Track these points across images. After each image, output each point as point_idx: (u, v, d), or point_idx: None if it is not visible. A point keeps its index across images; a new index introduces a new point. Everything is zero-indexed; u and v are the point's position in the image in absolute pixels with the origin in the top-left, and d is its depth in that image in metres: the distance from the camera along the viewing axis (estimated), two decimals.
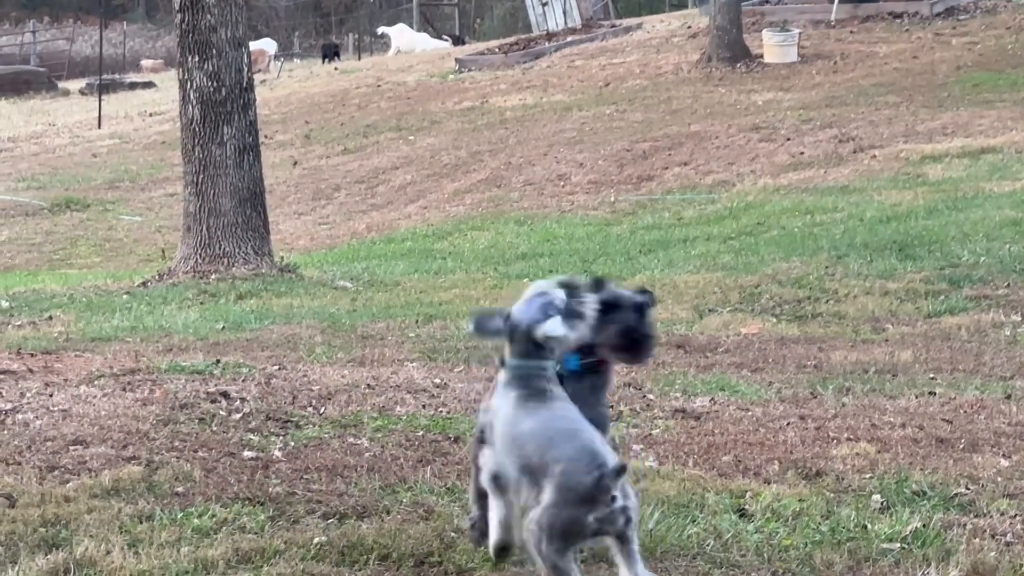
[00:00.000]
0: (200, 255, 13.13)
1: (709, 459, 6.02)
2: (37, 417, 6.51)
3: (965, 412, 6.99)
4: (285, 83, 37.83)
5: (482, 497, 4.69)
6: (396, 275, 13.80)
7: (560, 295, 4.51)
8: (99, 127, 32.14)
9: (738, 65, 27.84)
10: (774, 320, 10.67)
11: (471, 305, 11.53)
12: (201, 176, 13.11)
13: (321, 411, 6.83)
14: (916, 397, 7.41)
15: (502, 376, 4.50)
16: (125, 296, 12.49)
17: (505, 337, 4.46)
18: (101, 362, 8.15)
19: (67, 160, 28.14)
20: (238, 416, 6.61)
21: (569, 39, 35.58)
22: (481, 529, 4.77)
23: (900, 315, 10.59)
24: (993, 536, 5.04)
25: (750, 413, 6.95)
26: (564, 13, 40.55)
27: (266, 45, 45.40)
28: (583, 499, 4.15)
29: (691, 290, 11.75)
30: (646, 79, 28.57)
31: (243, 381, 7.41)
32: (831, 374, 8.29)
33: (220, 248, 13.10)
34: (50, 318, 11.27)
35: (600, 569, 4.75)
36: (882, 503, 5.37)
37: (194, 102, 13.09)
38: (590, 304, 4.56)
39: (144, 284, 13.13)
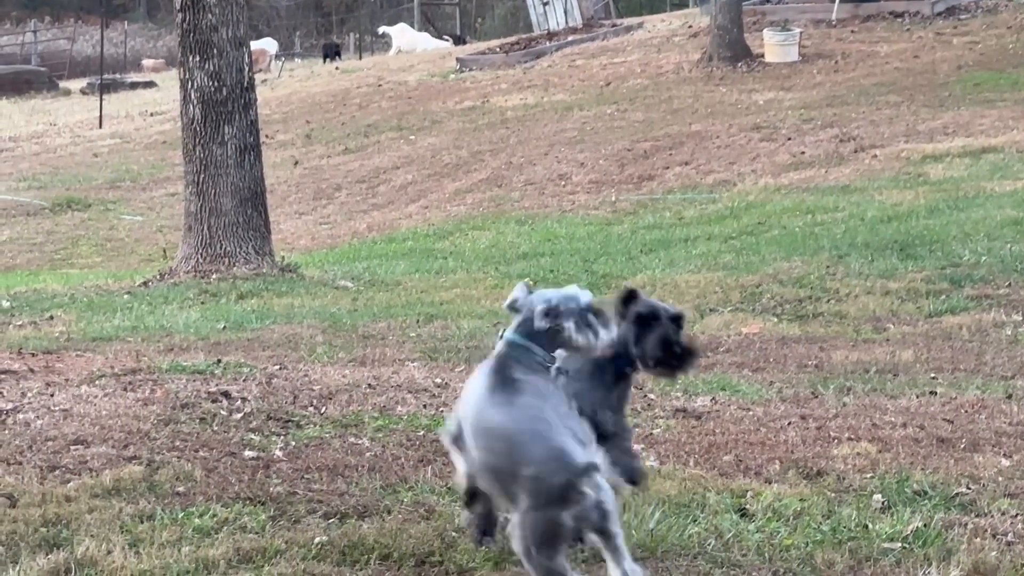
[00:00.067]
0: (201, 255, 13.14)
1: (710, 459, 6.02)
2: (38, 417, 6.51)
3: (966, 412, 6.99)
4: (286, 83, 37.84)
5: (472, 496, 4.70)
6: (397, 275, 13.80)
7: (586, 300, 4.51)
8: (100, 127, 32.14)
9: (739, 64, 27.84)
10: (775, 320, 10.67)
11: (472, 305, 11.54)
12: (202, 176, 13.11)
13: (322, 411, 6.83)
14: (917, 397, 7.41)
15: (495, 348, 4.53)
16: (126, 296, 12.49)
17: (517, 308, 4.49)
18: (102, 362, 8.15)
19: (68, 160, 28.14)
20: (239, 416, 6.61)
21: (570, 39, 35.59)
22: (482, 528, 4.78)
23: (901, 315, 10.59)
24: (994, 536, 5.04)
25: (751, 413, 6.95)
26: (565, 12, 40.56)
27: (267, 45, 45.41)
28: (556, 500, 4.14)
29: (692, 290, 11.75)
30: (647, 79, 28.57)
31: (244, 381, 7.41)
32: (832, 374, 8.29)
33: (221, 248, 13.11)
34: (51, 318, 11.27)
35: (601, 569, 4.75)
36: (883, 503, 5.37)
37: (195, 102, 13.09)
38: (607, 324, 4.55)
39: (145, 284, 13.13)
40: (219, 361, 8.00)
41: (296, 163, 25.40)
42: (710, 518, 5.20)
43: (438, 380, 7.64)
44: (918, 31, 29.52)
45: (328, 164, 25.13)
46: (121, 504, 5.27)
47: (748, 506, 5.33)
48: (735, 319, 10.66)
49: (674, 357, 4.77)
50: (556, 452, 4.17)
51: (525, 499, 4.18)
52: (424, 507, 5.30)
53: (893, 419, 6.78)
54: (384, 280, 13.34)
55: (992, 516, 5.26)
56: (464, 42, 46.09)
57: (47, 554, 4.77)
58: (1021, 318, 10.16)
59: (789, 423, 6.70)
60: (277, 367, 7.99)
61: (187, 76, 13.13)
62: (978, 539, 4.98)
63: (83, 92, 40.82)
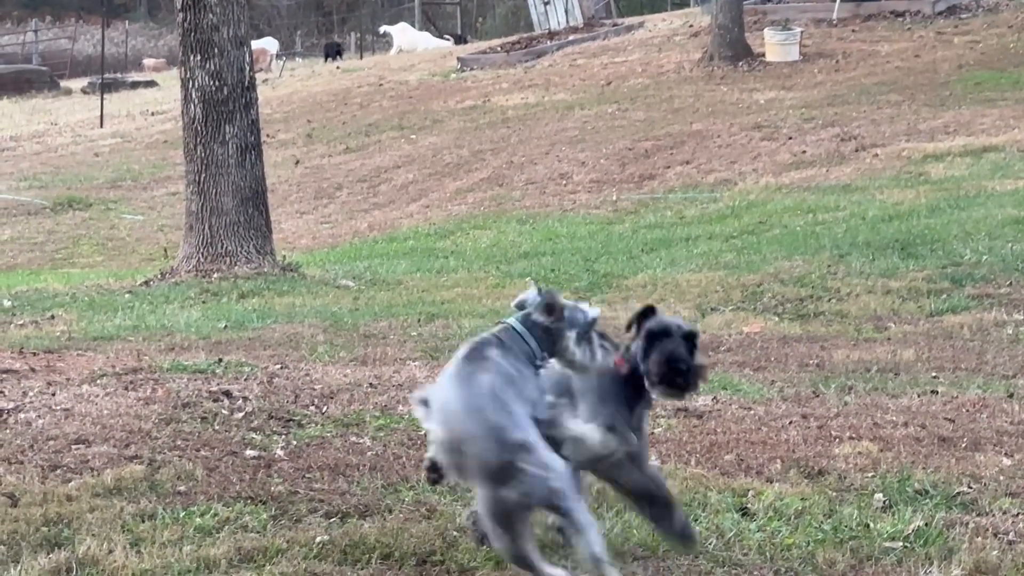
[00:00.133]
0: (202, 254, 13.14)
1: (711, 458, 6.02)
2: (39, 416, 6.51)
3: (967, 411, 6.99)
4: (287, 82, 37.85)
5: (432, 469, 4.69)
6: (398, 274, 13.80)
7: (593, 316, 4.48)
8: (101, 126, 32.15)
9: (740, 64, 27.83)
10: (776, 319, 10.66)
11: (473, 304, 11.54)
12: (203, 175, 13.11)
13: (323, 410, 6.83)
14: (918, 396, 7.40)
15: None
16: (127, 295, 12.49)
17: (524, 307, 4.48)
18: (103, 361, 8.15)
19: (69, 159, 28.15)
20: (240, 415, 6.61)
21: (571, 38, 35.58)
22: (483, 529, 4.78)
23: (902, 314, 10.58)
24: (995, 535, 5.04)
25: (752, 412, 6.95)
26: (566, 12, 40.55)
27: (268, 44, 45.41)
28: (495, 477, 4.12)
29: (693, 289, 11.75)
30: (648, 78, 28.57)
31: (245, 380, 7.41)
32: (833, 373, 8.29)
33: (222, 247, 13.11)
34: (52, 317, 11.27)
35: None
36: (884, 502, 5.37)
37: (196, 101, 13.09)
38: (608, 348, 4.52)
39: (146, 283, 13.13)
40: (220, 360, 8.00)
41: (297, 162, 25.40)
42: (711, 517, 5.20)
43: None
44: (919, 30, 29.51)
45: (329, 163, 25.14)
46: (122, 503, 5.27)
47: (749, 505, 5.33)
48: (736, 318, 10.66)
49: (678, 375, 4.62)
50: (491, 429, 4.13)
51: (474, 482, 4.18)
52: (425, 506, 5.30)
53: (894, 418, 6.78)
54: (385, 279, 13.34)
55: (993, 515, 5.26)
56: (465, 41, 46.10)
57: (48, 553, 4.77)
58: (1022, 317, 10.15)
59: (790, 422, 6.70)
60: (278, 366, 7.99)
61: (188, 75, 13.13)
62: (979, 538, 4.98)
63: (84, 91, 40.82)
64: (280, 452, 6.05)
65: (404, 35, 45.05)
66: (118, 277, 14.24)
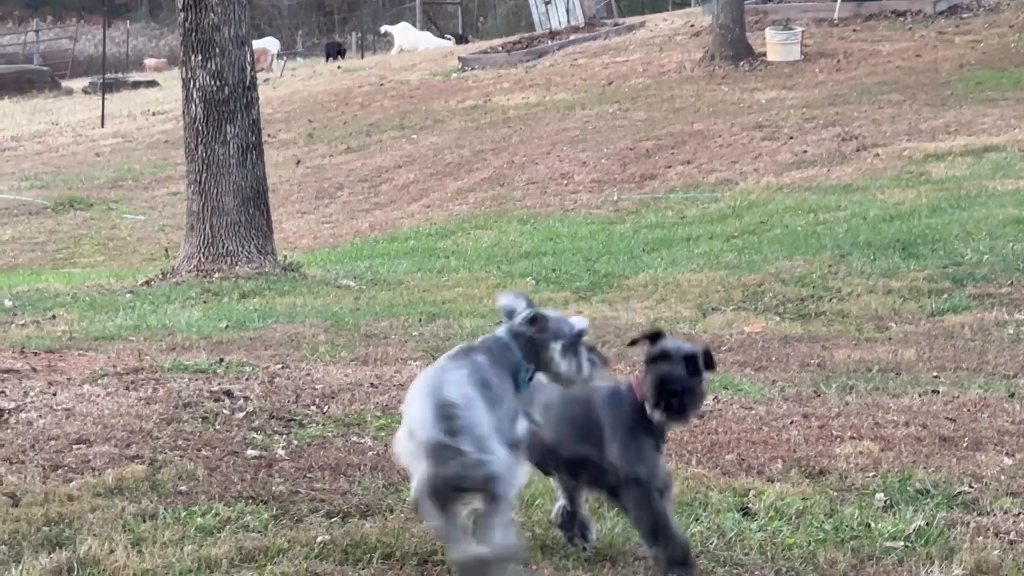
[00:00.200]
0: (203, 254, 13.14)
1: (712, 458, 6.02)
2: (41, 416, 6.51)
3: (968, 410, 6.99)
4: (288, 82, 37.85)
5: None
6: (399, 274, 13.80)
7: (579, 328, 4.46)
8: (102, 126, 32.16)
9: (741, 63, 27.84)
10: (777, 319, 10.67)
11: (474, 304, 11.54)
12: (204, 175, 13.12)
13: (324, 410, 6.83)
14: (919, 395, 7.40)
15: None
16: (128, 295, 12.50)
17: (512, 312, 4.47)
18: (104, 361, 8.15)
19: (70, 159, 28.16)
20: (241, 415, 6.61)
21: (572, 38, 35.59)
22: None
23: (903, 313, 10.58)
24: (997, 534, 5.04)
25: (753, 412, 6.95)
26: (567, 12, 40.56)
27: (269, 44, 45.44)
28: (430, 455, 4.11)
29: (694, 289, 11.75)
30: (649, 78, 28.57)
31: (246, 380, 7.41)
32: (834, 372, 8.29)
33: (223, 247, 13.11)
34: (54, 317, 11.28)
35: (602, 568, 4.76)
36: (885, 501, 5.37)
37: (197, 101, 13.09)
38: (596, 361, 4.49)
39: (147, 283, 13.13)
40: (221, 360, 8.00)
41: (298, 162, 25.40)
42: (712, 517, 5.20)
43: None
44: (920, 30, 29.51)
45: (330, 163, 25.14)
46: (123, 503, 5.27)
47: (750, 505, 5.33)
48: (737, 318, 10.66)
49: (673, 396, 4.49)
50: (433, 408, 4.11)
51: (418, 458, 4.19)
52: None
53: (895, 418, 6.78)
54: (386, 279, 13.35)
55: (995, 515, 5.26)
56: (466, 41, 46.11)
57: (50, 553, 4.77)
58: (1023, 317, 10.15)
59: (791, 422, 6.70)
60: (279, 366, 7.99)
61: (189, 75, 13.13)
62: (980, 538, 4.98)
63: (85, 91, 40.83)
64: (281, 452, 6.05)
65: (405, 35, 45.07)
66: (119, 277, 14.25)
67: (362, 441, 6.25)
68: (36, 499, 5.29)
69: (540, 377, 4.52)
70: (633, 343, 4.73)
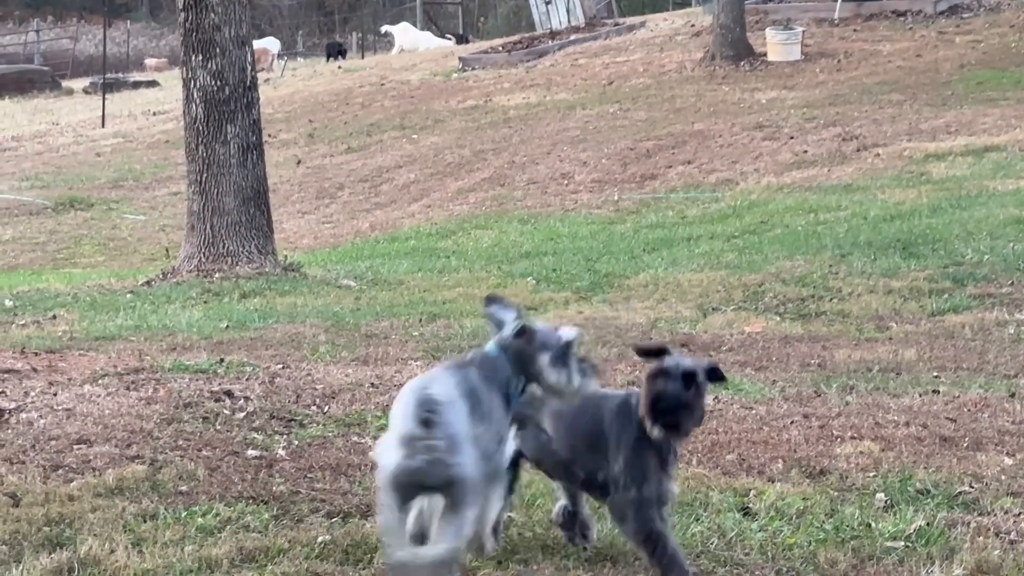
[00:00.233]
0: (204, 254, 13.14)
1: (713, 457, 6.02)
2: (41, 416, 6.51)
3: (969, 410, 6.99)
4: (289, 82, 37.85)
5: None
6: (400, 274, 13.80)
7: (569, 338, 4.45)
8: (103, 126, 32.16)
9: (742, 63, 27.83)
10: (778, 318, 10.66)
11: (474, 304, 11.54)
12: (205, 175, 13.11)
13: (325, 410, 6.83)
14: (920, 395, 7.40)
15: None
16: (129, 295, 12.50)
17: (502, 324, 4.45)
18: (105, 361, 8.15)
19: (71, 159, 28.16)
20: (242, 415, 6.61)
21: (572, 38, 35.58)
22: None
23: (904, 313, 10.58)
24: (997, 534, 5.04)
25: (754, 411, 6.95)
26: (567, 12, 40.56)
27: (270, 44, 45.43)
28: (401, 444, 4.10)
29: (695, 289, 11.75)
30: (650, 78, 28.57)
31: (247, 380, 7.41)
32: (835, 372, 8.29)
33: (224, 247, 13.11)
34: (54, 317, 11.28)
35: (603, 568, 4.76)
36: (886, 501, 5.37)
37: (198, 101, 13.09)
38: (587, 371, 4.47)
39: (148, 283, 13.14)
40: (222, 360, 8.00)
41: (299, 162, 25.40)
42: (713, 517, 5.20)
43: None
44: (920, 30, 29.50)
45: (331, 163, 25.14)
46: (124, 503, 5.27)
47: (751, 505, 5.34)
48: (738, 318, 10.66)
49: (666, 413, 4.46)
50: (412, 401, 4.10)
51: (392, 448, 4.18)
52: None
53: (896, 418, 6.78)
54: (387, 279, 13.35)
55: (995, 515, 5.26)
56: (467, 41, 46.10)
57: (50, 553, 4.78)
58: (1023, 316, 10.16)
59: (792, 422, 6.70)
60: (280, 366, 7.99)
61: (190, 75, 13.13)
62: (981, 538, 4.98)
63: (86, 91, 40.83)
64: (282, 452, 6.05)
65: (406, 35, 45.06)
66: (120, 277, 14.25)
67: (363, 441, 6.26)
68: (37, 499, 5.29)
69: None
70: (644, 354, 4.69)
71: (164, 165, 26.20)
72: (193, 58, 13.08)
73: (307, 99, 32.72)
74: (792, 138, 20.82)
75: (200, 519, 5.11)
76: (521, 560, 4.76)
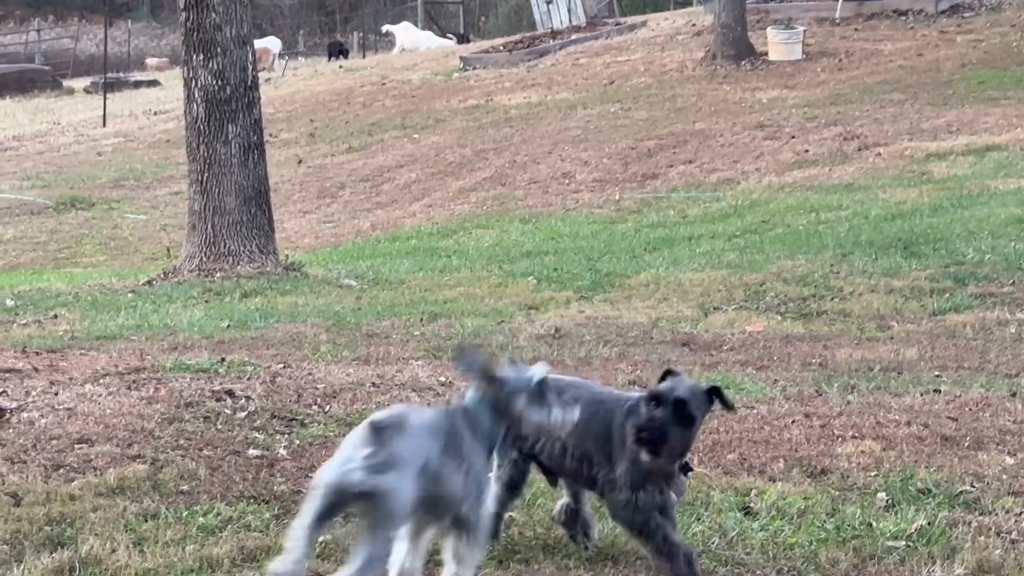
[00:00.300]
0: (205, 253, 13.14)
1: (714, 457, 6.02)
2: (42, 416, 6.51)
3: (970, 410, 6.99)
4: (290, 81, 37.86)
5: None
6: (401, 273, 13.80)
7: (539, 377, 4.42)
8: (104, 126, 32.17)
9: (743, 63, 27.83)
10: (779, 318, 10.66)
11: (476, 303, 11.54)
12: (206, 174, 13.12)
13: (326, 409, 6.83)
14: (921, 395, 7.40)
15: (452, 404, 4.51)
16: (130, 294, 12.50)
17: (477, 377, 4.43)
18: (106, 360, 8.15)
19: (72, 159, 28.16)
20: (243, 414, 6.61)
21: (574, 37, 35.59)
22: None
23: (905, 313, 10.58)
24: (998, 534, 5.04)
25: (755, 411, 6.95)
26: (569, 11, 40.56)
27: (271, 43, 45.42)
28: (344, 460, 4.09)
29: (696, 288, 11.75)
30: (651, 77, 28.56)
31: (248, 379, 7.41)
32: (836, 372, 8.29)
33: (225, 246, 13.11)
34: (55, 317, 11.28)
35: (604, 567, 4.76)
36: (887, 501, 5.37)
37: (199, 100, 13.09)
38: (564, 403, 4.46)
39: (149, 282, 13.14)
40: (223, 360, 8.00)
41: (300, 162, 25.41)
42: (714, 516, 5.20)
43: (442, 379, 7.65)
44: (922, 29, 29.49)
45: (332, 163, 25.14)
46: (125, 503, 5.27)
47: (752, 504, 5.33)
48: (739, 317, 10.66)
49: (647, 443, 4.47)
50: (382, 420, 4.10)
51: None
52: None
53: (897, 417, 6.78)
54: (388, 279, 13.35)
55: (996, 514, 5.26)
56: (468, 41, 46.09)
57: (51, 552, 4.78)
58: None
59: (793, 421, 6.70)
60: (281, 366, 7.99)
61: (191, 75, 13.13)
62: (982, 537, 4.98)
63: (87, 91, 40.84)
64: (283, 451, 6.05)
65: (407, 34, 45.05)
66: (121, 276, 14.25)
67: None
68: (38, 498, 5.30)
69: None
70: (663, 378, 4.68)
71: (165, 164, 26.21)
72: (194, 58, 13.08)
73: (308, 99, 32.72)
74: (793, 137, 20.82)
75: (201, 518, 5.11)
76: (522, 560, 4.76)
